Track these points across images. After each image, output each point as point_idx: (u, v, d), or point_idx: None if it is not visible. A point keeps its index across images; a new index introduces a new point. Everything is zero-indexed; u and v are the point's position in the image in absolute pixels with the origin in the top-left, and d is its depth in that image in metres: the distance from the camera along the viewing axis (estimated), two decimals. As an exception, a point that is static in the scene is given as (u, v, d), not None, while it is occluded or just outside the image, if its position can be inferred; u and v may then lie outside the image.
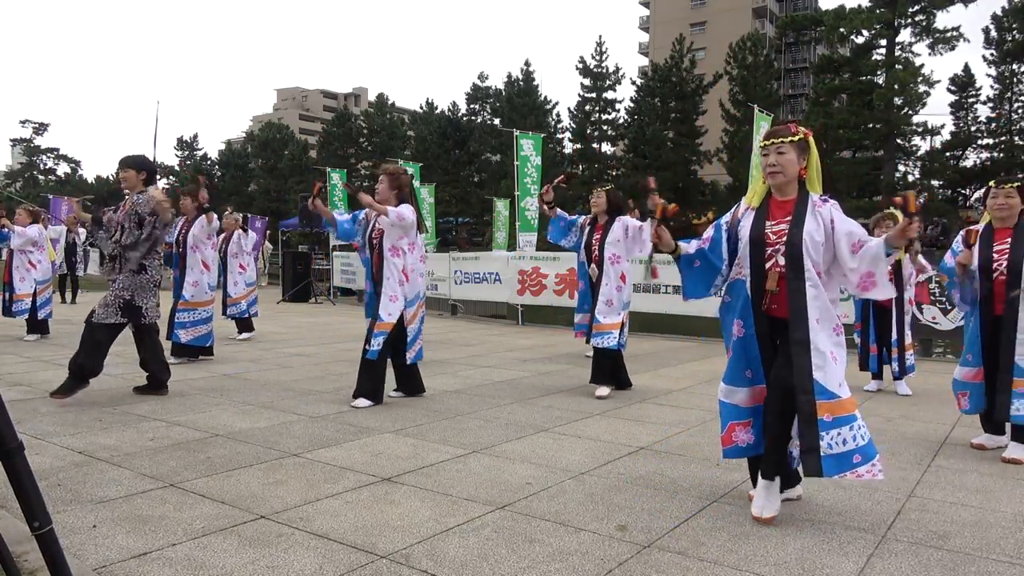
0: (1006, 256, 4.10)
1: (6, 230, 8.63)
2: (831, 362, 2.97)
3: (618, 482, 3.52)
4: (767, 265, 3.08)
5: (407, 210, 5.27)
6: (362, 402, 5.25)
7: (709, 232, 3.31)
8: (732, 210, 3.30)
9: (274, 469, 3.61)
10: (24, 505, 1.51)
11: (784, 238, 3.05)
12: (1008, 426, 4.20)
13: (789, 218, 3.09)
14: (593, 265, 6.04)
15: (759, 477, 3.11)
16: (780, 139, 3.11)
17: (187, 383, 6.01)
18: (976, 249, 4.25)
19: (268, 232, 22.84)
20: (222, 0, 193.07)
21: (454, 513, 3.02)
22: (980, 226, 4.32)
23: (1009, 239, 4.12)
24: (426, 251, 5.62)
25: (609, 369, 5.97)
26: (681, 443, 4.31)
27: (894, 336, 6.19)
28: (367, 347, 5.23)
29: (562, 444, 4.25)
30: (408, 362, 5.50)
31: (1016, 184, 4.16)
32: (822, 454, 2.90)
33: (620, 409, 5.32)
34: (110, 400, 5.21)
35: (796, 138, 3.10)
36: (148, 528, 2.78)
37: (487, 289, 13.44)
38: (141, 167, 5.47)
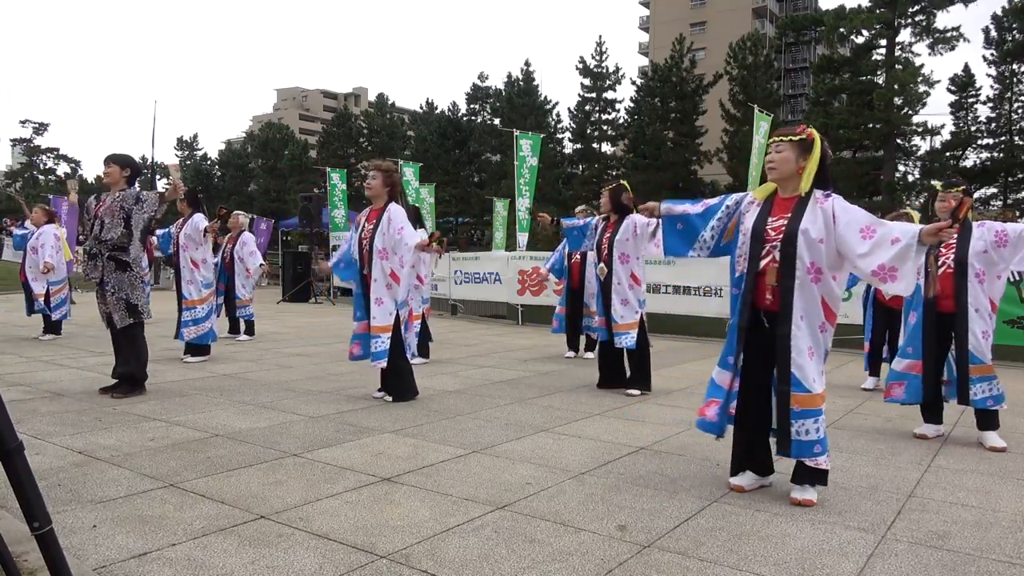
0: (952, 250, 4.31)
1: (16, 230, 8.68)
2: (807, 358, 3.14)
3: (618, 482, 3.52)
4: (764, 261, 3.19)
5: (402, 214, 5.25)
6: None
7: (711, 200, 3.48)
8: (744, 194, 3.43)
9: (274, 469, 3.61)
10: (24, 505, 1.50)
11: (781, 234, 3.15)
12: (962, 417, 4.53)
13: (789, 215, 3.16)
14: (602, 264, 5.93)
15: (737, 471, 3.41)
16: (781, 137, 3.25)
17: (187, 383, 6.01)
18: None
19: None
20: (222, 0, 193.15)
21: (454, 513, 3.02)
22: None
23: (956, 235, 4.27)
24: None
25: (637, 365, 5.90)
26: (681, 443, 4.31)
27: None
28: (373, 350, 5.25)
29: (562, 444, 4.25)
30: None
31: (961, 188, 4.34)
32: (792, 438, 3.16)
33: (620, 409, 5.32)
34: (110, 400, 5.21)
35: (797, 138, 3.20)
36: (148, 528, 2.78)
37: (487, 289, 13.43)
38: (125, 164, 5.51)
